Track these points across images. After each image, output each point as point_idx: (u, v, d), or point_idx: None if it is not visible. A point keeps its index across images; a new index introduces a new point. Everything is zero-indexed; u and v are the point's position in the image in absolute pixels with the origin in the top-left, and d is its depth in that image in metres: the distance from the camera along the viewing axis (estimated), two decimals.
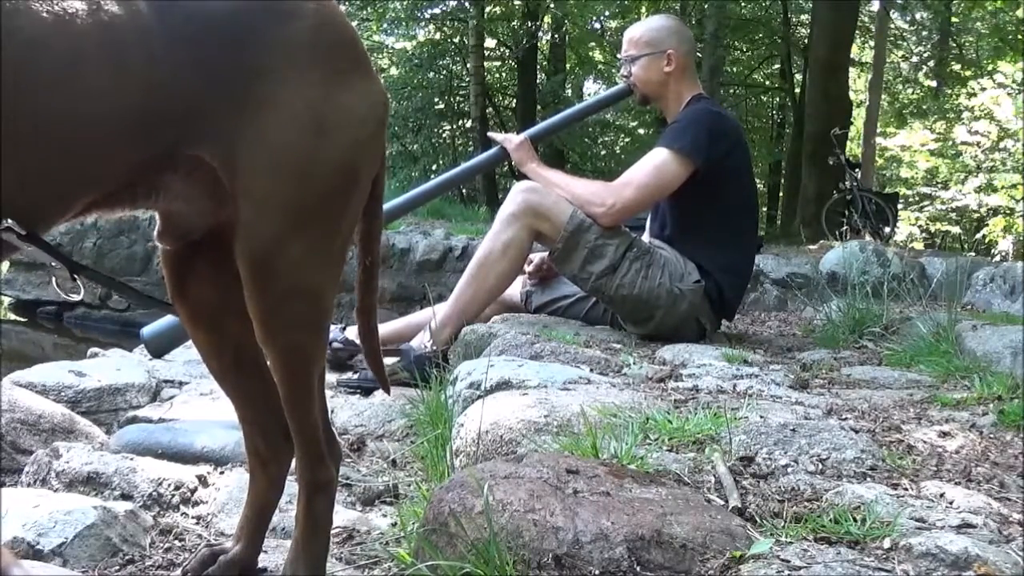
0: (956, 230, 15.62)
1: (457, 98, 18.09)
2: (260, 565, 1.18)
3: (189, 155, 0.97)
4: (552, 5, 14.36)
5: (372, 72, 1.09)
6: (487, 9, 16.02)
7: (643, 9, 13.63)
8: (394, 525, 1.39)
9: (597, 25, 17.61)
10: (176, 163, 0.97)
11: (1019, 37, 15.10)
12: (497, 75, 19.45)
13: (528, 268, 3.02)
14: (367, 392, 2.34)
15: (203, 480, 1.53)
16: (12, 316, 7.25)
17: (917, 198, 14.95)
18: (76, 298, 1.03)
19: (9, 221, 0.89)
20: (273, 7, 1.00)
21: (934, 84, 18.27)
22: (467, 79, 17.10)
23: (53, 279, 1.02)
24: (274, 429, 1.15)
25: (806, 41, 15.47)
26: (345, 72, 1.04)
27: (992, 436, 1.54)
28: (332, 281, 1.06)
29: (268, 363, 1.07)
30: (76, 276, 1.01)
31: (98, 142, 0.91)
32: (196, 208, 1.05)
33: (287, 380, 1.05)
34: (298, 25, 1.01)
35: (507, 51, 18.01)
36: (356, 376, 2.44)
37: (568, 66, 18.47)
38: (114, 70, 0.90)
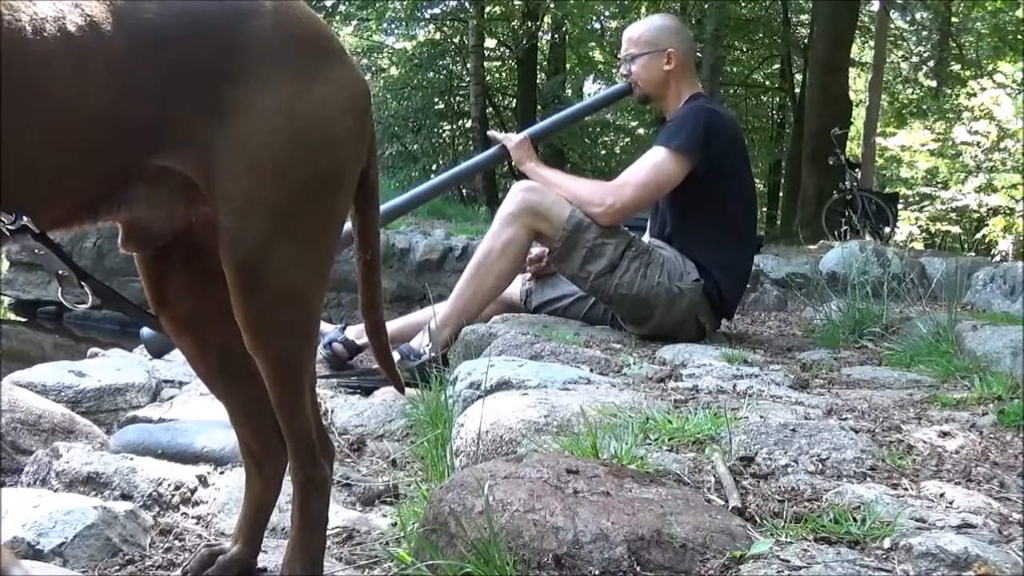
0: (956, 230, 15.60)
1: (457, 98, 18.09)
2: (259, 565, 1.18)
3: (157, 165, 0.94)
4: (552, 5, 14.35)
5: (348, 61, 1.06)
6: (487, 9, 16.02)
7: (643, 9, 13.61)
8: (394, 525, 1.39)
9: (597, 25, 17.60)
10: (143, 174, 0.95)
11: (1019, 37, 15.09)
12: (497, 75, 19.45)
13: (529, 256, 3.01)
14: (367, 392, 2.34)
15: (203, 480, 1.53)
16: (12, 316, 7.24)
17: (917, 198, 14.93)
18: (83, 307, 1.02)
19: (25, 219, 0.89)
20: (230, 7, 0.98)
21: (934, 84, 18.26)
22: (467, 79, 17.11)
23: (59, 289, 1.00)
24: (267, 430, 1.14)
25: (806, 41, 15.47)
26: (316, 65, 1.01)
27: (992, 436, 1.54)
28: (321, 283, 1.04)
29: (258, 368, 1.05)
30: (84, 283, 1.00)
31: (60, 159, 0.88)
32: (163, 214, 1.02)
33: (278, 386, 1.03)
34: (258, 23, 0.98)
35: (507, 51, 18.01)
36: (355, 376, 2.44)
37: (568, 66, 18.47)
38: (75, 81, 0.87)
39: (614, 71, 16.20)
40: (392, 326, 2.96)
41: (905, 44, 18.43)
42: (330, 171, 1.02)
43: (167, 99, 0.93)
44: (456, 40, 17.98)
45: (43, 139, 0.87)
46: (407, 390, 2.20)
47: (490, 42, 17.59)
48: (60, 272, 0.98)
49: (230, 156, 0.95)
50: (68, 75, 0.87)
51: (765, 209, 17.49)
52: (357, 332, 2.76)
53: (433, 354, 2.53)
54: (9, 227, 0.89)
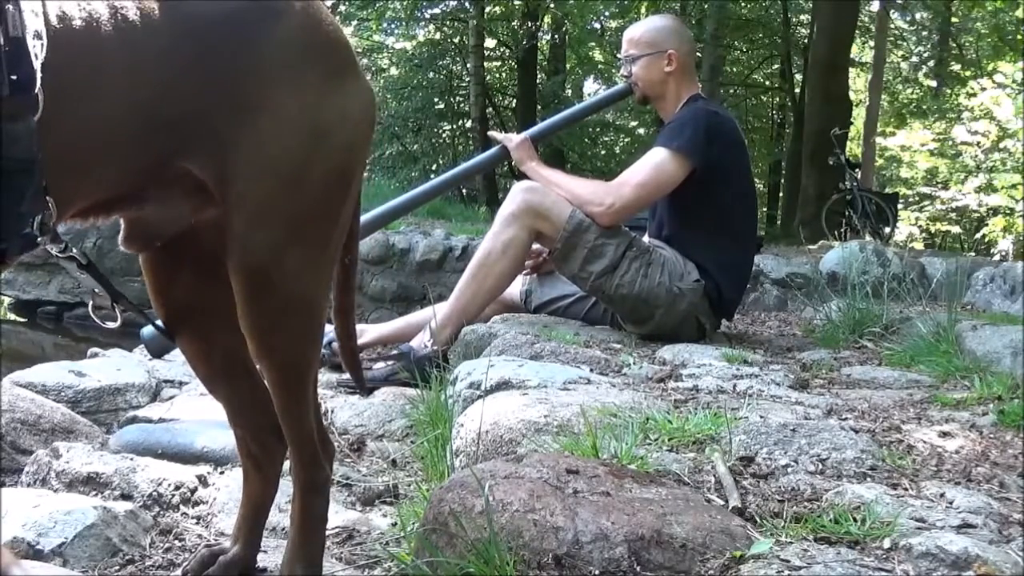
0: (956, 230, 15.62)
1: (457, 98, 18.10)
2: (259, 565, 1.18)
3: (179, 165, 0.94)
4: (552, 5, 14.36)
5: (361, 72, 1.07)
6: (487, 9, 16.04)
7: (643, 9, 13.61)
8: (394, 525, 1.39)
9: (597, 25, 17.61)
10: (165, 172, 0.94)
11: (1019, 37, 15.09)
12: (497, 75, 19.47)
13: (532, 250, 3.00)
14: (367, 392, 2.33)
15: (203, 480, 1.53)
16: (12, 316, 7.24)
17: (917, 198, 14.95)
18: (112, 326, 1.02)
19: (74, 251, 0.91)
20: (262, 6, 0.97)
21: (934, 84, 18.27)
22: (467, 79, 17.12)
23: (90, 304, 1.01)
24: (266, 431, 1.14)
25: (806, 41, 15.47)
26: (337, 73, 1.01)
27: (992, 436, 1.54)
28: (326, 289, 1.04)
29: (264, 375, 1.05)
30: (116, 305, 1.01)
31: (111, 146, 0.89)
32: (169, 215, 1.02)
33: (283, 390, 1.03)
34: (288, 24, 0.97)
35: (507, 51, 18.02)
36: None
37: (568, 66, 18.48)
38: (129, 67, 0.88)
39: (614, 71, 16.22)
40: (392, 327, 2.96)
41: (905, 44, 18.45)
42: (343, 177, 1.02)
43: (200, 96, 0.92)
44: (456, 40, 17.99)
45: (93, 133, 0.87)
46: (407, 390, 2.21)
47: (490, 42, 17.60)
48: (96, 291, 0.99)
49: (249, 158, 0.94)
50: (123, 69, 0.87)
51: (765, 209, 17.49)
52: (357, 332, 2.76)
53: (435, 347, 2.53)
54: (59, 254, 0.90)
